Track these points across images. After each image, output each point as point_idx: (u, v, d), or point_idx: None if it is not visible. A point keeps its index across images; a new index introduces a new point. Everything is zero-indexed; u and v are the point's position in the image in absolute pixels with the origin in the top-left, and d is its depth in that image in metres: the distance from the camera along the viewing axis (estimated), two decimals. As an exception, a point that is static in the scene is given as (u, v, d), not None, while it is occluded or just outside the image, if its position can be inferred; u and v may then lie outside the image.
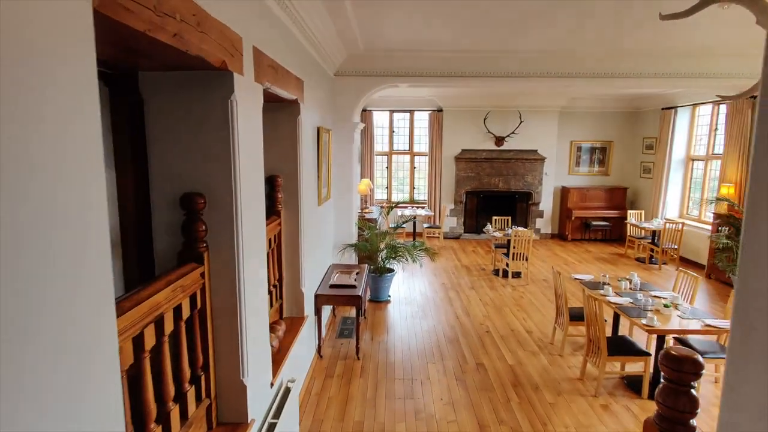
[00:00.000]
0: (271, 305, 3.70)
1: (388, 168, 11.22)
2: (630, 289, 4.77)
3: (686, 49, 5.68)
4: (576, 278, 5.21)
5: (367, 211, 8.62)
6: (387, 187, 11.32)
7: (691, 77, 5.98)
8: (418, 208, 10.39)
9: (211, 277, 2.35)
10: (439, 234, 10.26)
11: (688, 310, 4.07)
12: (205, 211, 2.28)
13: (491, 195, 10.79)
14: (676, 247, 8.21)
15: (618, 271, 8.11)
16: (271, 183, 3.71)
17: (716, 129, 8.62)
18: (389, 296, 6.51)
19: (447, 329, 5.51)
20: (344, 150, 6.12)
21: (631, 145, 10.82)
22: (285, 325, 3.75)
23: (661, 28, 4.68)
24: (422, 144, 11.15)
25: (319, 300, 4.56)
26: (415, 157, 11.20)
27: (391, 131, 11.08)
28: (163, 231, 2.35)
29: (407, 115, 11.01)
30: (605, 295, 4.49)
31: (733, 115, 7.55)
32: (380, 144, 11.28)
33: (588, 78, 5.99)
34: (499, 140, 10.54)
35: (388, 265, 6.42)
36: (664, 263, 8.60)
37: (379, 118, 11.10)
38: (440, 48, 5.55)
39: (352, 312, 5.80)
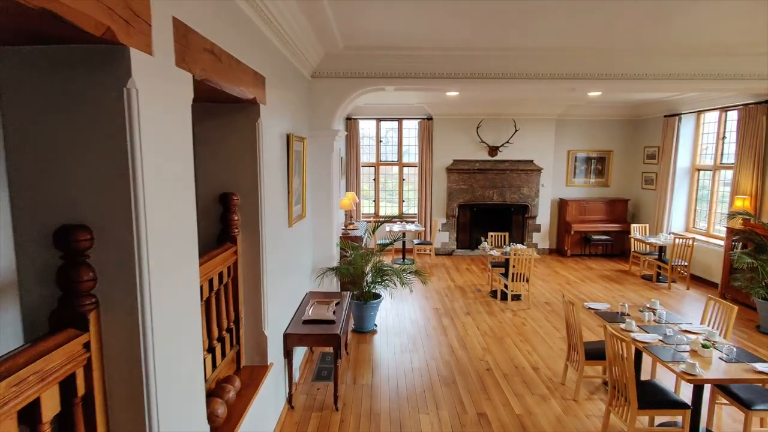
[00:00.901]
0: (224, 355, 2.95)
1: (376, 180, 10.53)
2: (654, 321, 4.09)
3: (705, 47, 5.09)
4: (590, 308, 4.51)
5: (351, 227, 7.90)
6: (374, 201, 10.62)
7: (712, 78, 5.39)
8: (407, 222, 9.70)
9: (103, 347, 1.61)
10: (430, 250, 9.56)
11: (732, 351, 3.39)
12: (92, 251, 1.55)
13: (485, 208, 10.15)
14: (686, 264, 7.59)
15: (625, 291, 7.46)
16: (225, 202, 2.99)
17: (724, 137, 8.09)
18: (375, 326, 5.78)
19: (441, 366, 4.77)
20: (323, 161, 5.41)
21: (631, 154, 10.27)
22: (241, 380, 3.00)
23: (677, 23, 4.08)
24: (411, 154, 10.50)
25: (290, 340, 3.81)
26: (405, 168, 10.54)
27: (379, 141, 10.42)
28: (31, 280, 1.61)
29: (395, 123, 10.37)
30: (628, 331, 3.80)
31: (745, 122, 7.00)
32: (367, 155, 10.61)
33: (591, 80, 5.39)
34: (493, 150, 9.92)
35: (374, 291, 5.69)
36: (673, 281, 7.97)
37: (366, 127, 10.45)
38: (431, 46, 4.90)
39: (333, 347, 5.05)
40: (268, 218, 3.33)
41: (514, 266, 6.54)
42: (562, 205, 10.20)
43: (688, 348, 3.44)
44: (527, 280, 6.57)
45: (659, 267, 8.01)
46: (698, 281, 7.88)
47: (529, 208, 10.02)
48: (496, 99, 9.06)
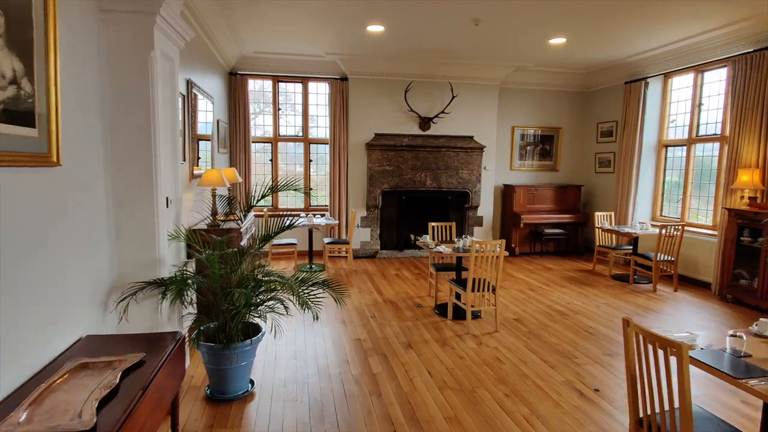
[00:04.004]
0: None
1: (273, 161, 7.88)
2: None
3: None
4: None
5: (232, 218, 5.18)
6: (272, 189, 7.92)
7: None
8: (316, 216, 7.18)
9: None
10: (347, 252, 7.13)
11: None
12: None
13: (417, 196, 7.95)
14: (672, 259, 5.95)
15: (606, 298, 5.61)
16: None
17: (701, 104, 6.65)
18: (250, 387, 3.19)
19: (377, 476, 2.35)
20: (128, 70, 2.75)
21: (582, 132, 8.71)
22: None
23: None
24: (321, 127, 8.01)
25: None
26: (312, 145, 8.01)
27: (276, 108, 7.79)
28: None
29: (299, 86, 7.82)
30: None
31: (744, 76, 5.49)
32: (261, 126, 7.93)
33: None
34: (425, 122, 7.77)
35: (248, 321, 3.12)
36: (649, 281, 6.32)
37: (258, 89, 7.78)
38: None
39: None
40: None
41: (471, 268, 4.32)
42: (507, 193, 8.32)
43: None
44: (494, 290, 4.38)
45: (637, 265, 6.32)
46: (685, 281, 6.30)
47: (469, 196, 8.00)
48: (430, 53, 6.92)
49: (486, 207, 8.17)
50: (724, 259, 5.58)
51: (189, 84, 4.42)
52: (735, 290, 5.42)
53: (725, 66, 6.14)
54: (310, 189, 8.02)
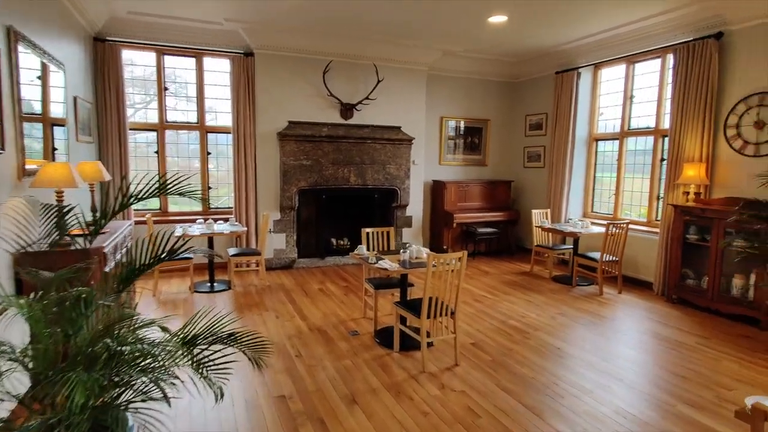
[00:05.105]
0: None
1: (159, 153, 6.33)
2: None
3: None
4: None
5: (105, 232, 3.71)
6: (159, 188, 6.38)
7: None
8: (218, 221, 5.82)
9: None
10: (257, 264, 5.88)
11: None
12: None
13: (340, 194, 6.91)
14: (616, 260, 5.61)
15: (556, 304, 5.08)
16: None
17: (632, 96, 6.44)
18: None
19: None
20: None
21: (510, 124, 8.28)
22: None
23: None
24: (221, 113, 6.61)
25: None
26: (210, 134, 6.59)
27: (162, 87, 6.24)
28: None
29: (192, 60, 6.35)
30: None
31: (687, 66, 5.25)
32: (141, 110, 6.34)
33: None
34: (348, 109, 6.75)
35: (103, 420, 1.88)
36: (590, 283, 5.98)
37: (137, 62, 6.17)
38: None
39: None
40: None
41: (426, 288, 3.41)
42: (437, 190, 7.61)
43: None
44: (452, 313, 3.52)
45: (580, 266, 5.92)
46: (624, 281, 6.02)
47: (398, 193, 7.14)
48: (353, 27, 5.91)
49: (415, 205, 7.38)
50: (670, 258, 5.32)
51: (11, 35, 2.94)
52: (682, 291, 5.18)
53: (659, 57, 5.93)
54: (209, 188, 6.60)
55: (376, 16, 5.47)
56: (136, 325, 2.02)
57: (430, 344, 3.82)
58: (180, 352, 1.78)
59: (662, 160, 5.93)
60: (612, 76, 6.75)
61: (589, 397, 3.04)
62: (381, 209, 7.25)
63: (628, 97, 6.47)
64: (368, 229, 4.64)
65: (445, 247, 7.37)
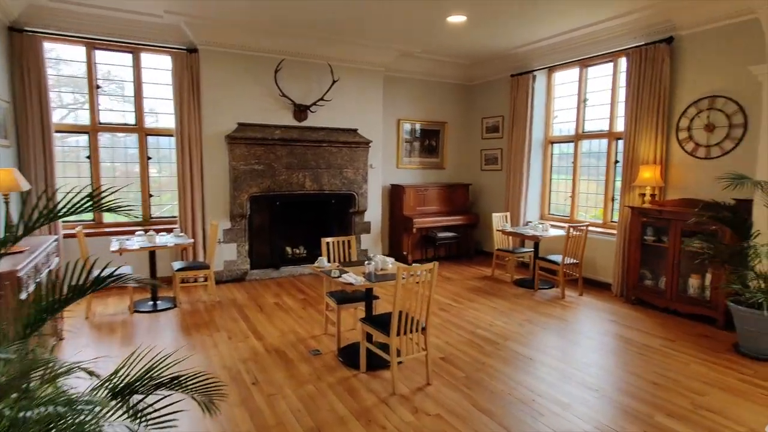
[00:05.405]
0: None
1: (92, 158, 5.70)
2: None
3: None
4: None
5: (22, 251, 3.16)
6: (92, 198, 5.77)
7: None
8: (159, 232, 5.30)
9: None
10: (206, 278, 5.41)
11: None
12: None
13: (295, 201, 6.53)
14: (577, 262, 5.62)
15: (522, 310, 4.98)
16: None
17: (586, 99, 6.53)
18: None
19: None
20: None
21: (468, 127, 8.22)
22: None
23: None
24: (163, 113, 6.08)
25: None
26: (150, 137, 6.03)
27: (94, 85, 5.63)
28: None
29: (129, 57, 5.78)
30: None
31: (640, 70, 5.33)
32: (73, 111, 5.70)
33: None
34: (302, 111, 6.40)
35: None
36: (552, 286, 5.97)
37: (67, 57, 5.54)
38: None
39: None
40: None
41: (396, 303, 3.16)
42: (396, 194, 7.41)
43: None
44: (423, 329, 3.29)
45: (541, 269, 5.88)
46: (589, 284, 6.03)
47: (355, 198, 6.86)
48: (306, 26, 5.59)
49: (374, 211, 7.13)
50: (629, 259, 5.38)
51: None
52: (640, 291, 5.24)
53: (611, 61, 6.02)
54: (151, 195, 6.04)
55: (330, 14, 5.18)
56: (53, 373, 1.63)
57: (384, 363, 3.56)
58: (106, 410, 1.42)
59: (616, 162, 6.03)
60: (566, 79, 6.81)
61: (570, 413, 2.90)
62: (338, 215, 6.94)
63: (582, 101, 6.55)
64: (328, 239, 4.33)
65: (405, 253, 7.18)
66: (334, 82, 6.41)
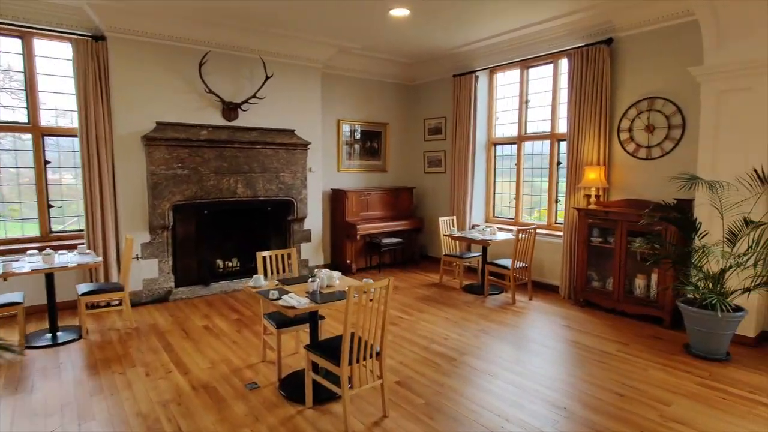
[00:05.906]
0: None
1: (-28, 163, 4.75)
2: None
3: None
4: None
5: None
6: (-27, 209, 4.81)
7: None
8: (59, 249, 4.49)
9: None
10: (120, 302, 4.66)
11: None
12: None
13: (225, 209, 5.89)
14: (526, 266, 5.49)
15: (476, 320, 4.74)
16: None
17: (527, 101, 6.48)
18: None
19: None
20: None
21: (410, 129, 7.96)
22: None
23: None
24: (63, 112, 5.22)
25: None
26: (48, 138, 5.16)
27: (-29, 76, 4.70)
28: None
29: (17, 42, 4.89)
30: None
31: (581, 71, 5.31)
32: (-60, 105, 4.74)
33: None
34: (232, 109, 5.79)
35: None
36: (501, 291, 5.83)
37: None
38: None
39: None
40: None
41: (347, 326, 2.74)
42: (337, 199, 6.97)
43: None
44: (378, 354, 2.90)
45: (491, 274, 5.71)
46: (538, 287, 5.93)
47: (294, 205, 6.34)
48: (234, 14, 5.03)
49: (314, 218, 6.64)
50: (576, 261, 5.33)
51: None
52: (588, 293, 5.19)
53: (551, 62, 6.00)
54: (50, 206, 5.17)
55: (262, 1, 4.66)
56: None
57: (333, 396, 3.14)
58: None
59: (558, 163, 6.01)
60: (508, 80, 6.74)
61: (541, 439, 2.63)
62: (275, 223, 6.39)
63: (524, 102, 6.50)
64: (265, 253, 3.81)
65: (348, 261, 6.76)
66: (267, 78, 5.86)
